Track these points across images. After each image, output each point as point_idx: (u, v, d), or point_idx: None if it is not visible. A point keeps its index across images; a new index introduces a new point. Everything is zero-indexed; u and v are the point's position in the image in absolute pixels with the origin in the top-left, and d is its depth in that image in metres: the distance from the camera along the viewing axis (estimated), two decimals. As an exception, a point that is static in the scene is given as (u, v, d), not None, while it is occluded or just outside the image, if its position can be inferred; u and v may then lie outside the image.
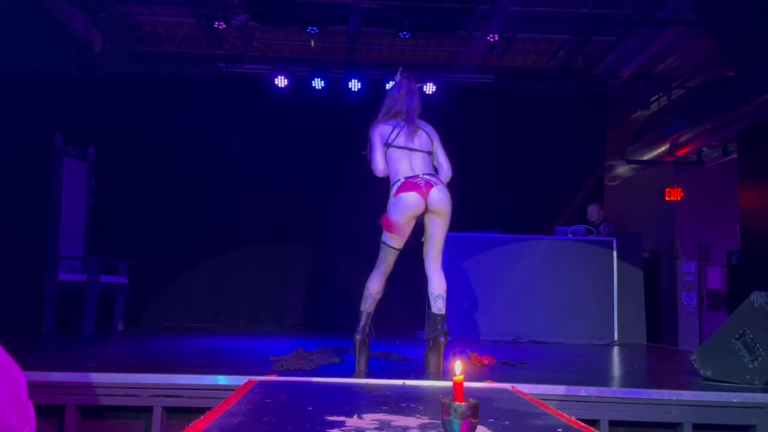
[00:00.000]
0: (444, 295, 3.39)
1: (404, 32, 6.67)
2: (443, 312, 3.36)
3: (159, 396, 2.74)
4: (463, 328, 6.09)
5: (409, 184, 3.34)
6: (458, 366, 1.49)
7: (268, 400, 2.20)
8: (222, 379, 2.78)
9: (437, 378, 3.12)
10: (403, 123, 3.49)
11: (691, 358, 3.47)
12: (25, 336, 5.01)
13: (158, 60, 7.61)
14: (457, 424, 1.46)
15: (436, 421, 1.82)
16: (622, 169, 9.95)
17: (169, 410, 2.76)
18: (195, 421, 1.76)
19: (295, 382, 2.74)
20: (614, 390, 2.87)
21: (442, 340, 3.31)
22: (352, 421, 1.82)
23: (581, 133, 8.06)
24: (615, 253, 6.49)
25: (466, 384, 1.51)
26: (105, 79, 7.35)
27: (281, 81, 7.48)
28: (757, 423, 2.75)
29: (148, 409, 2.74)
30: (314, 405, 2.11)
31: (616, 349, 5.73)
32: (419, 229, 3.48)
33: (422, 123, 3.57)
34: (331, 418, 1.86)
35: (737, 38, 6.30)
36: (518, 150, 7.98)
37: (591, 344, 6.12)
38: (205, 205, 7.62)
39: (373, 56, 8.11)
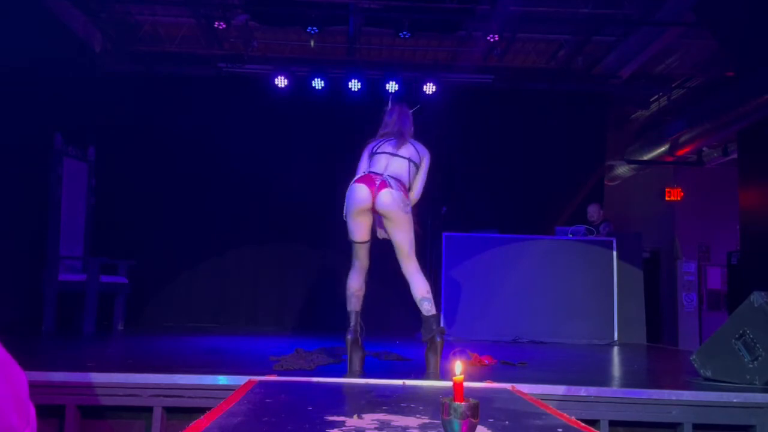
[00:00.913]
0: (428, 296, 3.34)
1: (404, 32, 6.67)
2: (433, 312, 3.34)
3: (159, 396, 2.75)
4: (463, 328, 6.10)
5: (366, 177, 3.34)
6: (458, 366, 1.49)
7: (268, 400, 2.20)
8: (222, 379, 2.78)
9: (436, 378, 3.12)
10: (393, 138, 3.52)
11: (691, 358, 3.47)
12: (25, 336, 5.01)
13: (158, 60, 7.60)
14: (457, 424, 1.47)
15: (436, 421, 1.82)
16: (622, 169, 9.95)
17: (169, 410, 2.76)
18: (195, 421, 1.76)
19: (295, 382, 2.74)
20: (614, 390, 2.87)
21: (439, 339, 3.30)
22: (352, 421, 1.82)
23: (581, 133, 8.06)
24: (615, 253, 6.48)
25: (466, 384, 1.51)
26: (105, 79, 7.35)
27: (281, 81, 7.48)
28: (757, 423, 2.75)
29: (148, 409, 2.74)
30: (314, 405, 2.12)
31: (616, 349, 5.73)
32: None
33: (415, 142, 3.56)
34: (331, 418, 1.86)
35: (737, 38, 6.30)
36: (518, 150, 7.97)
37: (591, 344, 6.12)
38: (205, 205, 7.61)
39: (373, 56, 8.11)
